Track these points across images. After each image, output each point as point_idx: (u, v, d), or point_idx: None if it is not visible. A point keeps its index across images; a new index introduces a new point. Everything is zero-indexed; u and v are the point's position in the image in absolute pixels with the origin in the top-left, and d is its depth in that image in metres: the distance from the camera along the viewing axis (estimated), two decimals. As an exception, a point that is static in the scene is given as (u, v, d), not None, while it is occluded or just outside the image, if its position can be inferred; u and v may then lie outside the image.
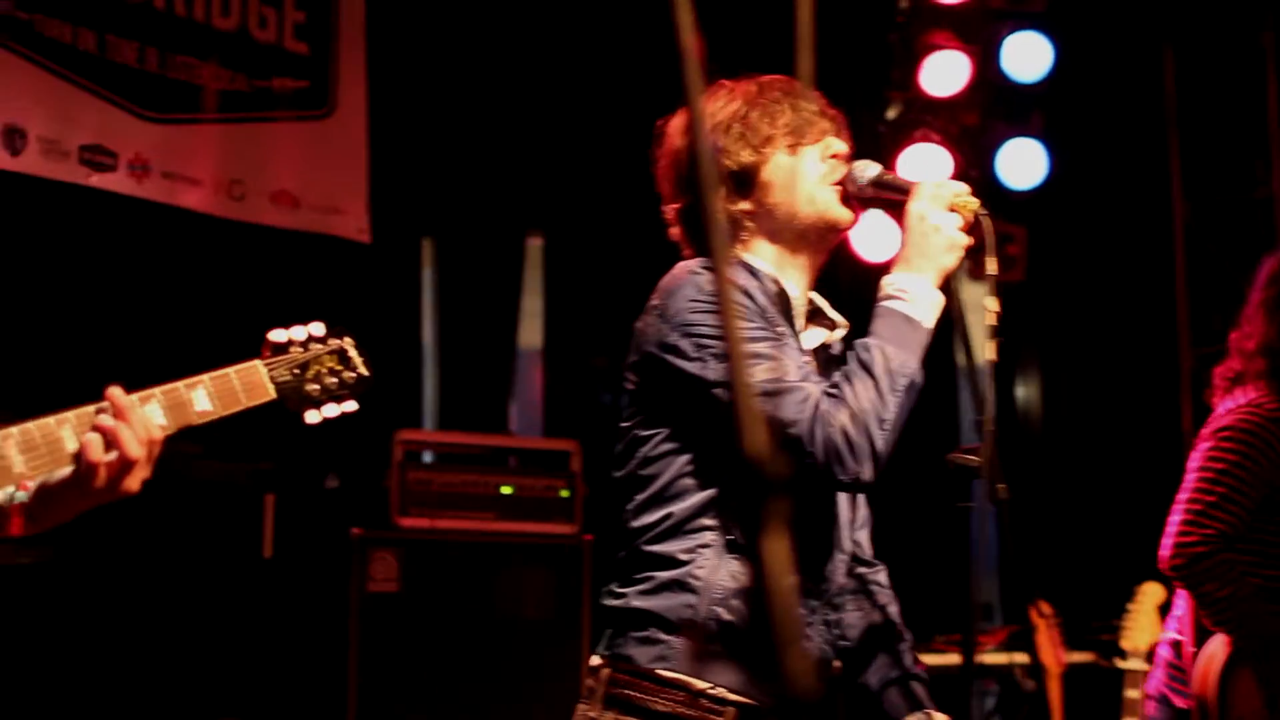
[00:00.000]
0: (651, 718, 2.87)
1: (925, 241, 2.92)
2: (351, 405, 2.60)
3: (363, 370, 2.62)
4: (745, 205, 3.05)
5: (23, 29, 5.54)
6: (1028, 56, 6.83)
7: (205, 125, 6.01)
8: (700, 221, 3.05)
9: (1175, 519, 4.07)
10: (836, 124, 3.11)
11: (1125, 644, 5.78)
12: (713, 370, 2.83)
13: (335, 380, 2.58)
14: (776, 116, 3.04)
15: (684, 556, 2.88)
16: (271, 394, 2.52)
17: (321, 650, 5.68)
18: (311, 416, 2.57)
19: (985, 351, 2.88)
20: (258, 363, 2.52)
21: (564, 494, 6.10)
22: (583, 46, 7.01)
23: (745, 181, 3.04)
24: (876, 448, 2.78)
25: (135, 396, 2.40)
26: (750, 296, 2.90)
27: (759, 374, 2.78)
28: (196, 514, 5.56)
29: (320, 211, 6.25)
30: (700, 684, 2.86)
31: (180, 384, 2.44)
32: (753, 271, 2.99)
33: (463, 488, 5.96)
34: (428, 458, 6.20)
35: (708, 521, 2.89)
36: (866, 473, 2.79)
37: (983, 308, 2.90)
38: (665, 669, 2.87)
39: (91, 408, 2.39)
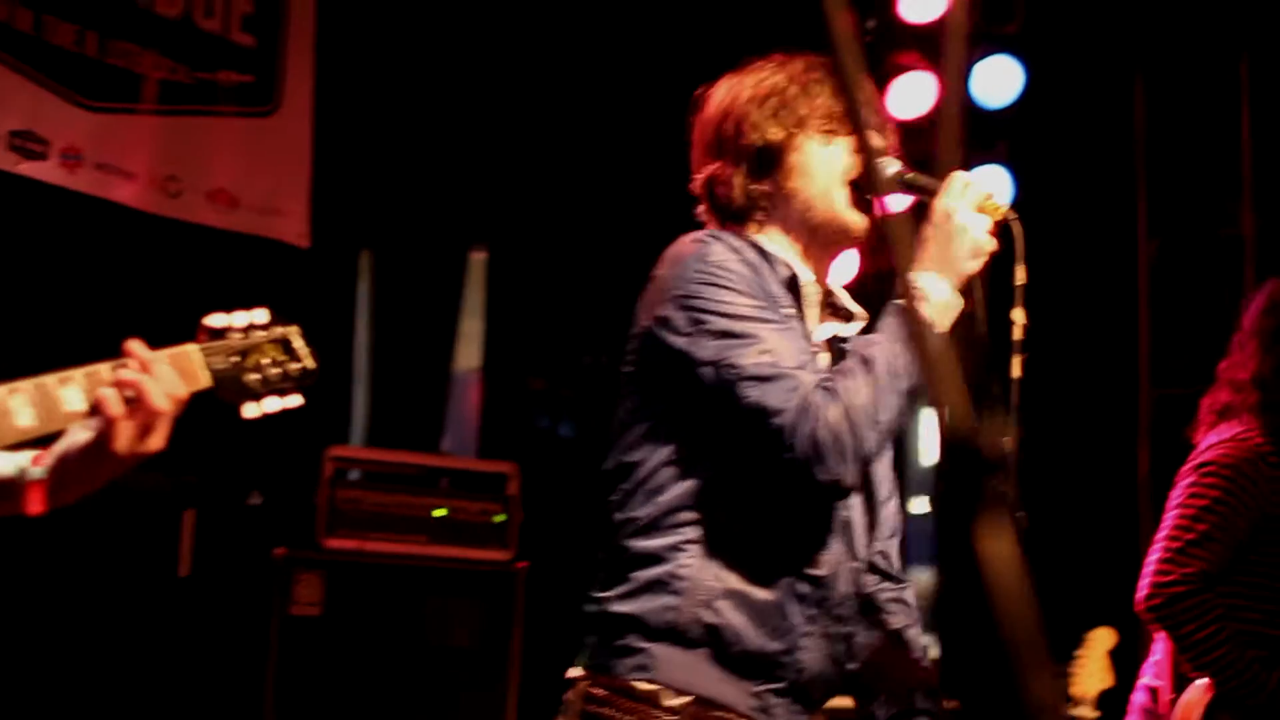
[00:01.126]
0: None
1: (950, 242, 2.74)
2: (295, 400, 2.37)
3: (308, 362, 2.38)
4: (764, 186, 2.87)
5: (-48, 5, 5.28)
6: (997, 81, 6.69)
7: (143, 116, 5.77)
8: (721, 194, 2.89)
9: (1153, 557, 3.88)
10: (881, 120, 2.95)
11: (1073, 690, 5.65)
12: (704, 348, 2.65)
13: (278, 371, 2.34)
14: (815, 98, 2.87)
15: (666, 554, 2.69)
16: (206, 382, 2.28)
17: (238, 676, 5.49)
18: (249, 410, 2.33)
19: (1011, 368, 2.70)
20: (192, 347, 2.29)
21: (498, 519, 5.94)
22: (532, 58, 6.87)
23: (770, 161, 2.86)
24: (865, 449, 2.61)
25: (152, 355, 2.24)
26: (758, 274, 2.74)
27: (748, 356, 2.61)
28: (111, 527, 5.33)
29: (259, 213, 6.01)
30: (680, 699, 2.66)
31: (106, 365, 2.23)
32: (764, 253, 2.81)
33: (394, 509, 5.78)
34: (353, 475, 5.97)
35: (693, 515, 2.69)
36: (849, 476, 2.62)
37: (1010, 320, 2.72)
38: (643, 680, 2.67)
39: (102, 366, 2.21)
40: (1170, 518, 3.90)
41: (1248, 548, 3.85)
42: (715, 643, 2.66)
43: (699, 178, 2.95)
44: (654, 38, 6.85)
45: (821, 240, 2.88)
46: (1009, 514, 2.61)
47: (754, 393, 2.59)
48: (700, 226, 2.94)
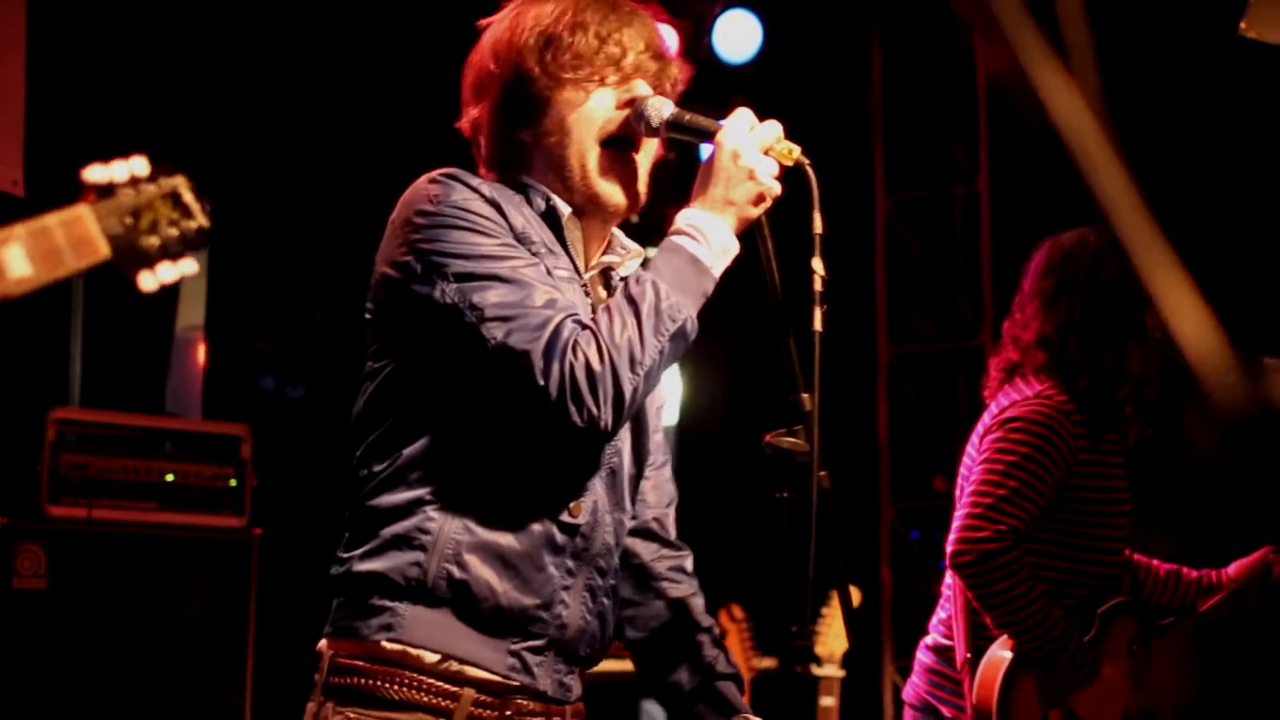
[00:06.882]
0: (375, 705, 2.51)
1: (734, 182, 2.61)
2: (191, 266, 2.02)
3: (202, 219, 2.02)
4: (524, 136, 2.73)
5: None
6: (738, 36, 6.66)
7: None
8: (481, 140, 2.77)
9: (962, 512, 3.83)
10: (661, 66, 2.77)
11: (820, 650, 5.64)
12: (443, 292, 2.51)
13: (175, 231, 1.98)
14: (578, 38, 2.69)
15: (412, 508, 2.54)
16: (105, 252, 1.91)
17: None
18: (146, 281, 1.97)
19: (812, 320, 2.54)
20: (85, 208, 1.90)
21: (232, 483, 5.71)
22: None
23: (531, 108, 2.71)
24: (623, 390, 2.48)
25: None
26: (504, 215, 2.59)
27: (490, 296, 2.48)
28: None
29: (-35, 157, 5.52)
30: (431, 656, 2.52)
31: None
32: (522, 187, 2.69)
33: (122, 474, 5.51)
34: (69, 438, 5.59)
35: (438, 465, 2.55)
36: (606, 417, 2.48)
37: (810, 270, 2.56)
38: (390, 640, 2.52)
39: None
40: (977, 473, 3.86)
41: (1052, 506, 3.85)
42: (464, 599, 2.53)
43: (465, 120, 2.81)
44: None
45: (580, 207, 2.73)
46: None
47: (498, 333, 2.46)
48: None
